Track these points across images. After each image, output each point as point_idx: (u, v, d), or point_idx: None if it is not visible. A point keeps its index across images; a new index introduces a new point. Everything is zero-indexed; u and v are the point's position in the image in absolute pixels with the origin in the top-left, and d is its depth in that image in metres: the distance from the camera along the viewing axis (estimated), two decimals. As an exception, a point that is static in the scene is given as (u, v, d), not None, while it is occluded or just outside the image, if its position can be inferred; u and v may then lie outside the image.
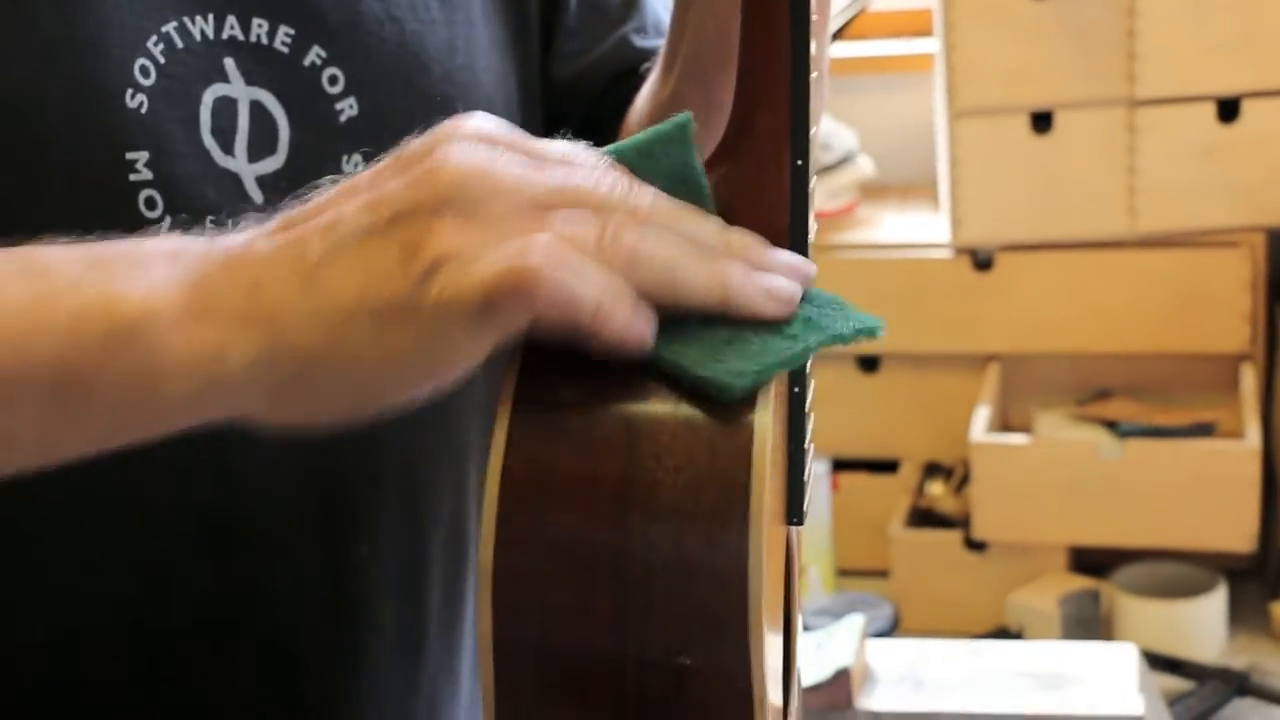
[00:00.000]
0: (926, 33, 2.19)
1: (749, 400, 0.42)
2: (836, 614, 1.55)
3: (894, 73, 2.33)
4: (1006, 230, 2.03)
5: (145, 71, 0.59)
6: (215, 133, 0.61)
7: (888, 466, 2.15)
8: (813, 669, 1.15)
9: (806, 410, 0.49)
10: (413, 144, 0.45)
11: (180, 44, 0.60)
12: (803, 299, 0.45)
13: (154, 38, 0.60)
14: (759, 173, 0.46)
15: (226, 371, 0.43)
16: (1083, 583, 1.93)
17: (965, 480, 2.04)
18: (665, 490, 0.41)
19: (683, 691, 0.43)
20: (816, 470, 2.02)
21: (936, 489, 2.10)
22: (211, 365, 0.43)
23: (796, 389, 0.48)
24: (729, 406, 0.42)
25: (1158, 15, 1.91)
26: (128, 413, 0.45)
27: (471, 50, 0.69)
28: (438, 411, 0.67)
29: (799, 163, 0.46)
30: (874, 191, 2.26)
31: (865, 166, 2.20)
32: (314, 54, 0.64)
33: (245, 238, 0.45)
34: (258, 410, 0.45)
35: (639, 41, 0.76)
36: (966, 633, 1.88)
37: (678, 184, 0.45)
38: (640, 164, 0.45)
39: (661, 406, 0.42)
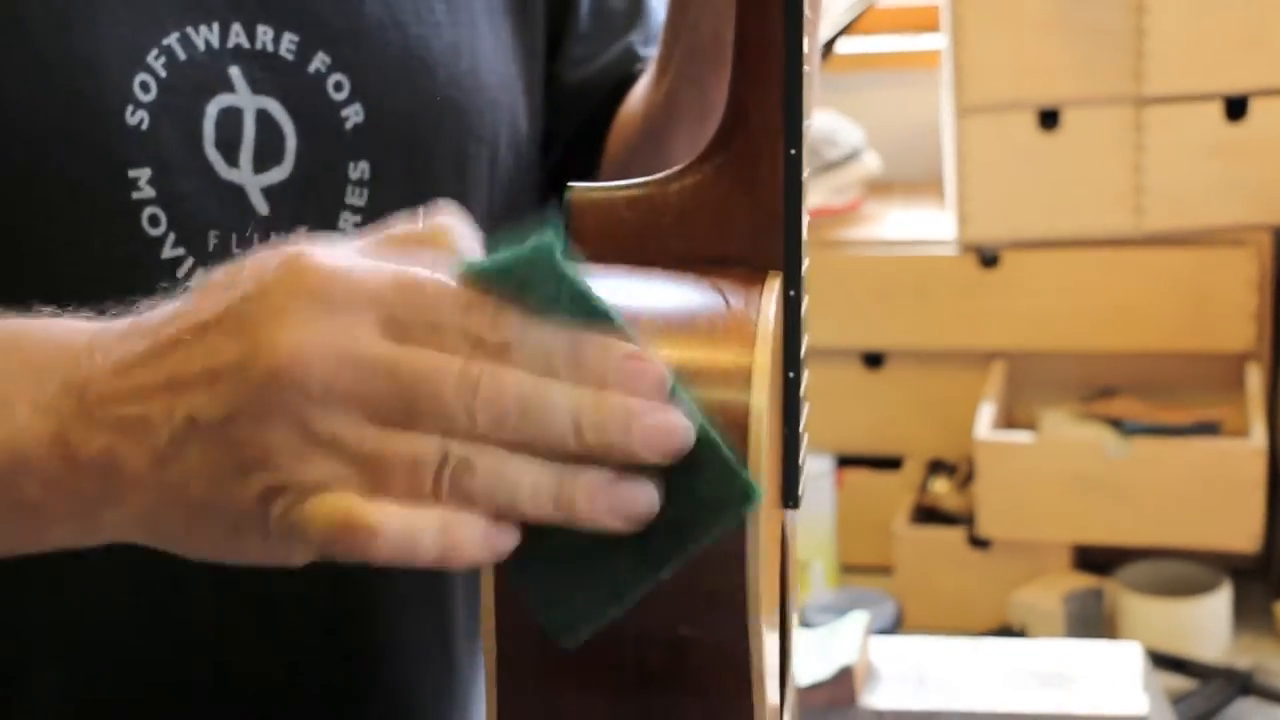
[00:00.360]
0: (934, 29, 2.18)
1: (744, 381, 0.43)
2: (840, 611, 1.54)
3: (901, 69, 2.32)
4: (1013, 227, 2.02)
5: (145, 87, 0.58)
6: (219, 145, 0.60)
7: (892, 463, 2.14)
8: (816, 666, 1.15)
9: (801, 395, 0.49)
10: (248, 280, 0.42)
11: (183, 55, 0.60)
12: (679, 468, 0.42)
13: (154, 51, 0.59)
14: (754, 164, 0.47)
15: (98, 522, 0.45)
16: (1087, 581, 1.93)
17: (969, 478, 2.04)
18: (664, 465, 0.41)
19: (682, 666, 0.43)
20: (821, 467, 2.02)
21: (941, 486, 2.09)
22: (85, 522, 0.46)
23: (791, 374, 0.48)
24: (723, 388, 0.42)
25: (1166, 13, 1.90)
26: (27, 536, 0.47)
27: (476, 53, 0.68)
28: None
29: (792, 152, 0.47)
30: (880, 188, 2.26)
31: (871, 163, 2.19)
32: (319, 60, 0.63)
33: (113, 361, 0.45)
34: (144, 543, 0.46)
35: (643, 50, 0.75)
36: (970, 630, 1.88)
37: (553, 307, 0.41)
38: (502, 285, 0.42)
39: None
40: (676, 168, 0.48)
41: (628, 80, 0.75)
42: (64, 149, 0.56)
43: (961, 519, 2.03)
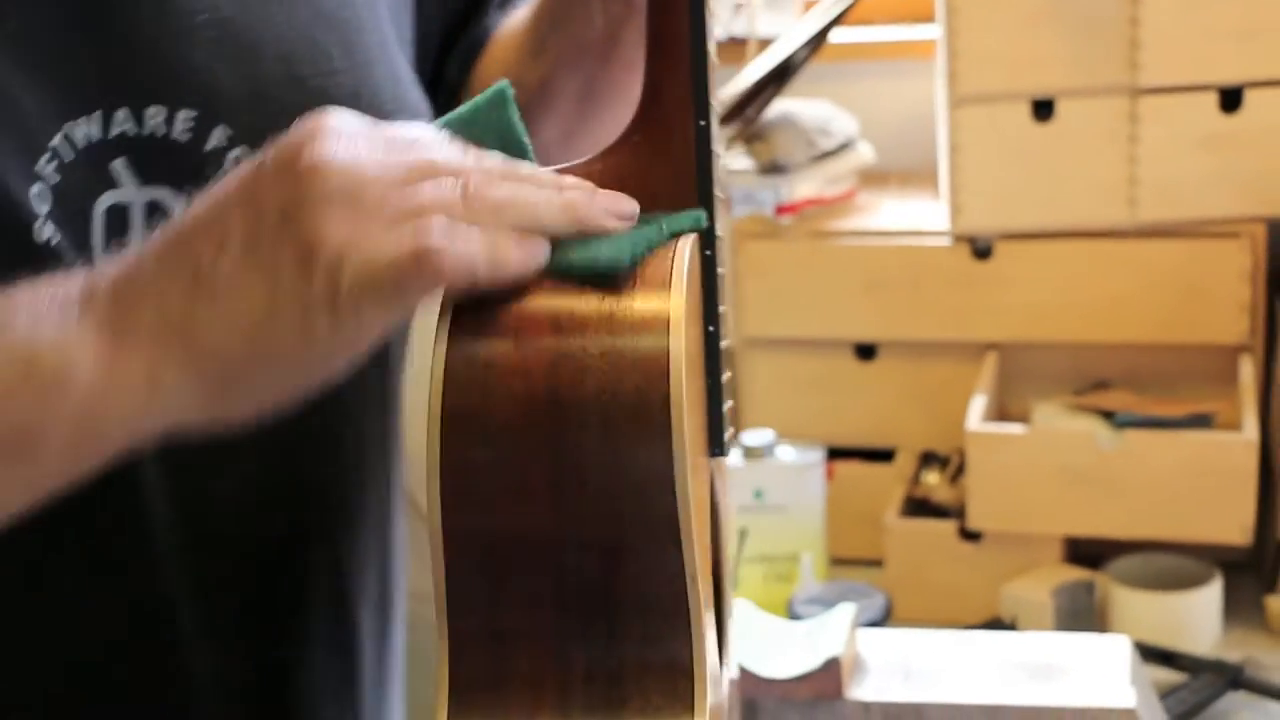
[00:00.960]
0: (928, 19, 2.17)
1: (662, 328, 0.49)
2: (828, 603, 1.54)
3: (895, 59, 2.32)
4: (1006, 218, 2.02)
5: (43, 197, 0.57)
6: (108, 245, 0.59)
7: (883, 455, 2.14)
8: (803, 658, 1.14)
9: (722, 348, 0.56)
10: (276, 147, 0.48)
11: (69, 156, 0.58)
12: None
13: (45, 156, 0.57)
14: (667, 136, 0.55)
15: (161, 392, 0.46)
16: (1077, 574, 1.93)
17: (961, 470, 2.03)
18: (592, 375, 0.48)
19: (620, 571, 0.47)
20: (811, 458, 2.01)
21: (932, 478, 2.09)
22: (146, 391, 0.46)
23: (710, 328, 0.55)
24: (641, 301, 0.50)
25: (1161, 3, 1.90)
26: (76, 451, 0.47)
27: (376, 92, 0.68)
28: (358, 502, 0.67)
29: (701, 123, 0.55)
30: (874, 178, 2.25)
31: (865, 153, 2.18)
32: (217, 137, 0.62)
33: (124, 265, 0.46)
34: (194, 417, 0.47)
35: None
36: (960, 623, 1.88)
37: (504, 144, 0.53)
38: (467, 132, 0.53)
39: (580, 302, 0.50)
40: (603, 149, 0.56)
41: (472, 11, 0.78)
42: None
43: (953, 511, 2.02)
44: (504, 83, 0.54)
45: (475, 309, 0.49)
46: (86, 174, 0.58)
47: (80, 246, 0.58)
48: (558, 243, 0.51)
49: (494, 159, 0.51)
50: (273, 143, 0.49)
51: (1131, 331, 2.01)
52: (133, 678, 0.61)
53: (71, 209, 0.57)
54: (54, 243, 0.56)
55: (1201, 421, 1.94)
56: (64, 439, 0.46)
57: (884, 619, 1.78)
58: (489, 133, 0.53)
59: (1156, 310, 1.99)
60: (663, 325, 0.49)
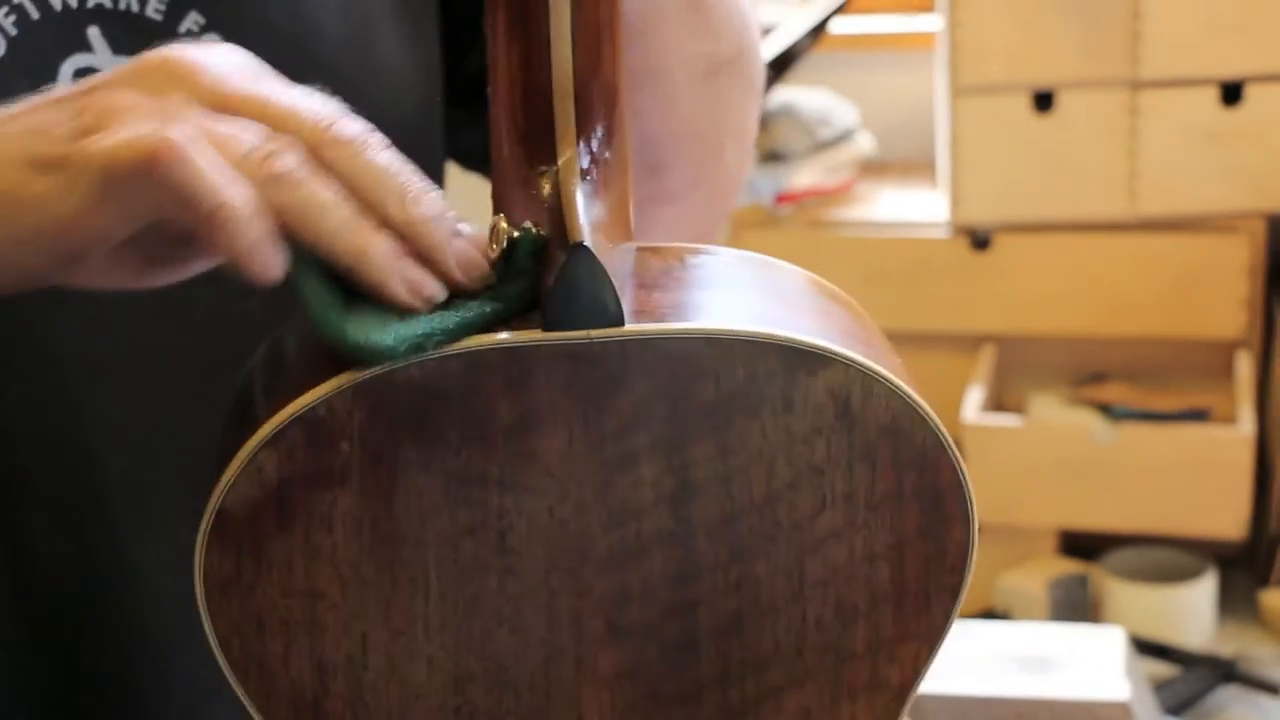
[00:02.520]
0: (929, 9, 2.17)
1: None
2: (824, 592, 1.54)
3: (896, 49, 2.31)
4: (1005, 210, 2.01)
5: None
6: None
7: (880, 445, 2.14)
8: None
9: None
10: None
11: (36, 14, 0.58)
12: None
13: (4, 9, 0.57)
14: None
15: None
16: (1072, 566, 1.93)
17: (957, 461, 2.03)
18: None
19: None
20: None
21: (928, 469, 2.08)
22: None
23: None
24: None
25: (1162, -4, 1.89)
26: None
27: (369, 18, 0.66)
28: None
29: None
30: (873, 169, 2.24)
31: (865, 143, 2.18)
32: (190, 20, 0.61)
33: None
34: None
35: None
36: (954, 614, 1.88)
37: None
38: None
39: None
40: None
41: None
42: None
43: (948, 502, 2.02)
44: None
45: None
46: (57, 34, 0.58)
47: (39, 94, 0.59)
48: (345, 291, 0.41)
49: (355, 144, 0.42)
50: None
51: (1129, 325, 2.01)
52: (65, 557, 0.61)
53: (30, 63, 0.57)
54: None
55: (1198, 416, 1.94)
56: None
57: (878, 609, 1.78)
58: None
59: (1154, 304, 1.99)
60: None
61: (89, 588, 0.62)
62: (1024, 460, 1.92)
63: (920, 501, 0.45)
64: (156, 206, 0.41)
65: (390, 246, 0.41)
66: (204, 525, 0.42)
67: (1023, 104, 1.97)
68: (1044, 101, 1.97)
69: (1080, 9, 1.92)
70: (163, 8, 0.61)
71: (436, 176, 0.70)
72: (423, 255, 0.42)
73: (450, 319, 0.41)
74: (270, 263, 0.40)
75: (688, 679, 0.44)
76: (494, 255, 0.43)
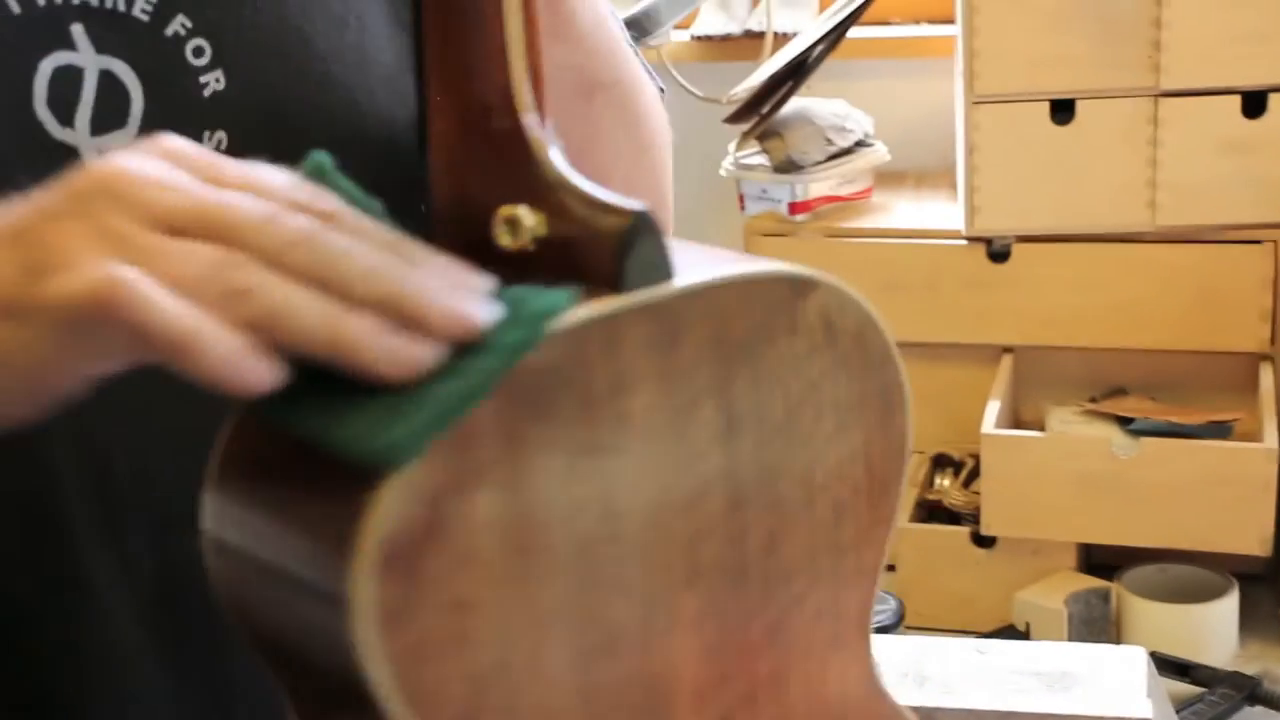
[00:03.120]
0: (948, 18, 2.15)
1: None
2: (839, 607, 1.51)
3: (913, 57, 2.29)
4: (1023, 220, 1.99)
5: None
6: (52, 103, 0.58)
7: (896, 459, 2.11)
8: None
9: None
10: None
11: (16, 9, 0.57)
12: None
13: None
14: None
15: None
16: (1092, 582, 1.90)
17: (976, 474, 2.01)
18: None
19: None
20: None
21: (945, 482, 2.06)
22: None
23: None
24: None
25: (1185, 5, 1.87)
26: None
27: (365, 27, 0.65)
28: None
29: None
30: (889, 177, 2.22)
31: (881, 151, 2.16)
32: (177, 24, 0.60)
33: None
34: None
35: None
36: (972, 629, 1.85)
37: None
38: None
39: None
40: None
41: None
42: None
43: (966, 516, 2.00)
44: (318, 155, 0.44)
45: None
46: (38, 31, 0.57)
47: (14, 94, 0.57)
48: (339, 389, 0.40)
49: (307, 224, 0.41)
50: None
51: (1149, 337, 1.99)
52: (19, 568, 0.59)
53: (8, 59, 0.57)
54: None
55: (1220, 430, 1.91)
56: None
57: (896, 624, 1.75)
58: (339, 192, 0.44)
59: (1175, 316, 1.96)
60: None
61: (43, 599, 0.60)
62: (1043, 474, 1.90)
63: (879, 398, 0.50)
64: (123, 345, 0.40)
65: (366, 327, 0.40)
66: (358, 562, 0.39)
67: (1041, 113, 1.95)
68: (1063, 110, 1.95)
69: (1101, 18, 1.90)
70: (150, 9, 0.59)
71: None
72: (408, 322, 0.41)
73: (453, 391, 0.40)
74: (253, 378, 0.39)
75: (742, 608, 0.47)
76: (514, 244, 0.43)
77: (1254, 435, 1.89)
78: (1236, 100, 1.91)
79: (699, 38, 2.34)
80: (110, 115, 0.59)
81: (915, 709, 1.10)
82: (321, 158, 0.44)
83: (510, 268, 0.43)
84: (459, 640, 0.41)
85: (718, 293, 0.45)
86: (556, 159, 0.44)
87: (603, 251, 0.42)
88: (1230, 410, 1.95)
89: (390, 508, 0.39)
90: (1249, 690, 1.74)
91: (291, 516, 0.42)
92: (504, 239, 0.44)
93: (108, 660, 0.61)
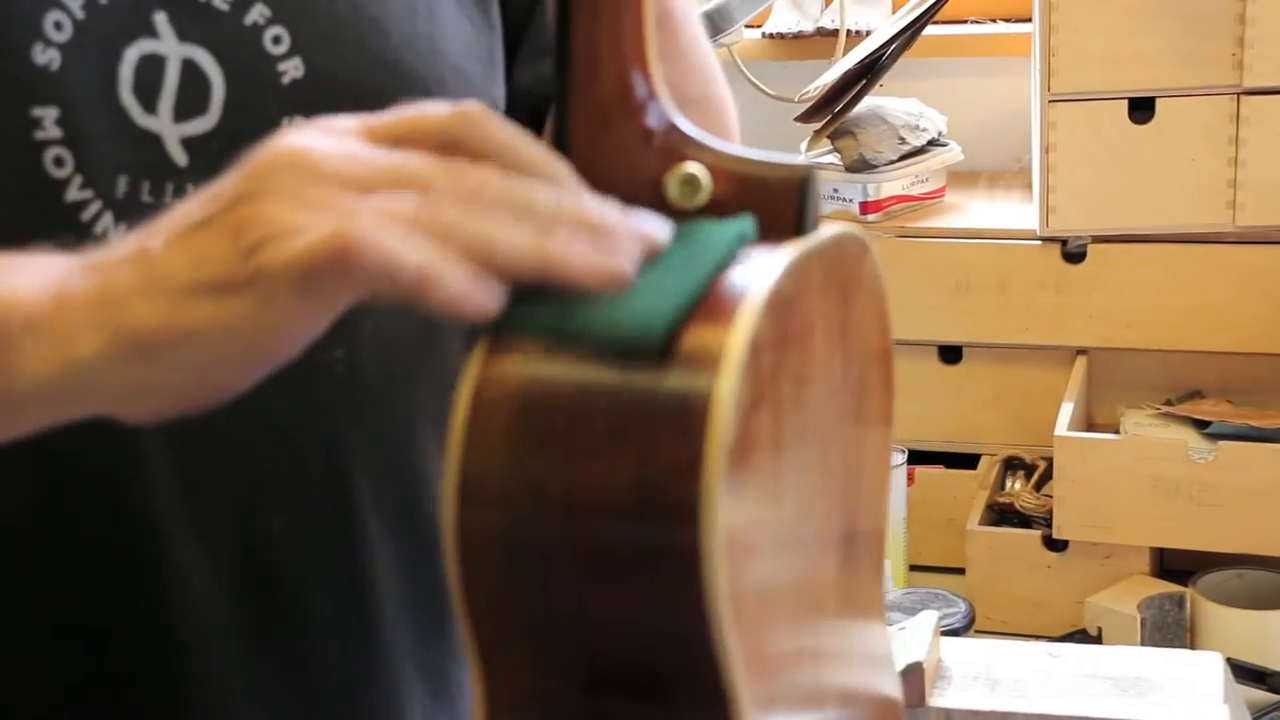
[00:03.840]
0: (1024, 15, 2.13)
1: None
2: (909, 610, 1.50)
3: (988, 55, 2.27)
4: (1100, 220, 1.97)
5: (59, 26, 0.57)
6: (137, 90, 0.59)
7: (966, 460, 2.10)
8: (883, 663, 1.12)
9: None
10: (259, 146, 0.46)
11: None
12: (666, 248, 0.46)
13: None
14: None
15: (75, 360, 0.44)
16: (1166, 587, 1.88)
17: (1046, 477, 1.99)
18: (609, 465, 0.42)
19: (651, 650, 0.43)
20: (892, 461, 1.98)
21: (1016, 485, 2.04)
22: (61, 354, 0.44)
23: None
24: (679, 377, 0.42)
25: (1272, 1, 1.84)
26: None
27: (436, 17, 0.66)
28: (375, 395, 0.66)
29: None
30: (963, 177, 2.21)
31: (955, 151, 2.14)
32: (257, 12, 0.61)
33: (116, 244, 0.46)
34: (111, 401, 0.46)
35: None
36: (1043, 634, 1.83)
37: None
38: None
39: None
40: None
41: None
42: None
43: (1038, 519, 1.98)
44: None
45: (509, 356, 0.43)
46: (123, 18, 0.59)
47: (101, 81, 0.58)
48: (569, 297, 0.43)
49: (485, 171, 0.44)
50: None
51: (1228, 340, 1.96)
52: (109, 550, 0.61)
53: (95, 45, 0.58)
54: (53, 66, 0.56)
55: (1299, 434, 1.88)
56: None
57: (966, 627, 1.74)
58: None
59: (1255, 318, 1.93)
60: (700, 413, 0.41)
61: (126, 578, 0.61)
62: (1117, 478, 1.88)
63: (880, 301, 0.55)
64: (355, 293, 0.43)
65: (570, 244, 0.43)
66: (710, 473, 0.41)
67: (1119, 112, 1.93)
68: (1142, 109, 1.93)
69: (1182, 15, 1.87)
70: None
71: None
72: (597, 235, 0.44)
73: (683, 281, 0.43)
74: (483, 301, 0.43)
75: (845, 533, 0.52)
76: (693, 201, 0.47)
77: (1335, 440, 1.86)
78: (1322, 99, 1.88)
79: (771, 35, 2.33)
80: (192, 103, 0.60)
81: (987, 712, 1.10)
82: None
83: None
84: (753, 550, 0.44)
85: (838, 240, 0.49)
86: (705, 135, 0.49)
87: (782, 201, 0.46)
88: (1310, 414, 1.92)
89: (728, 421, 0.41)
90: (1328, 699, 1.72)
91: (599, 445, 0.42)
92: (682, 198, 0.47)
93: (194, 643, 0.62)
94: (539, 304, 0.43)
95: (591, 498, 0.42)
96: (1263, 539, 1.85)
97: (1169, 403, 2.00)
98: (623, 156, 0.47)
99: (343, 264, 0.42)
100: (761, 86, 2.26)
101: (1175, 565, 1.93)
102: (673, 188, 0.47)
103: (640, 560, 0.41)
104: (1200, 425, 1.90)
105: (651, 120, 0.48)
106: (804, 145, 2.14)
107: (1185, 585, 1.88)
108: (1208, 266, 1.94)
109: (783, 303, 0.44)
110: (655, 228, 0.46)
